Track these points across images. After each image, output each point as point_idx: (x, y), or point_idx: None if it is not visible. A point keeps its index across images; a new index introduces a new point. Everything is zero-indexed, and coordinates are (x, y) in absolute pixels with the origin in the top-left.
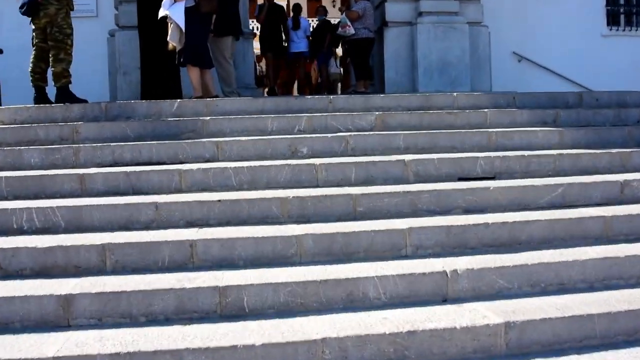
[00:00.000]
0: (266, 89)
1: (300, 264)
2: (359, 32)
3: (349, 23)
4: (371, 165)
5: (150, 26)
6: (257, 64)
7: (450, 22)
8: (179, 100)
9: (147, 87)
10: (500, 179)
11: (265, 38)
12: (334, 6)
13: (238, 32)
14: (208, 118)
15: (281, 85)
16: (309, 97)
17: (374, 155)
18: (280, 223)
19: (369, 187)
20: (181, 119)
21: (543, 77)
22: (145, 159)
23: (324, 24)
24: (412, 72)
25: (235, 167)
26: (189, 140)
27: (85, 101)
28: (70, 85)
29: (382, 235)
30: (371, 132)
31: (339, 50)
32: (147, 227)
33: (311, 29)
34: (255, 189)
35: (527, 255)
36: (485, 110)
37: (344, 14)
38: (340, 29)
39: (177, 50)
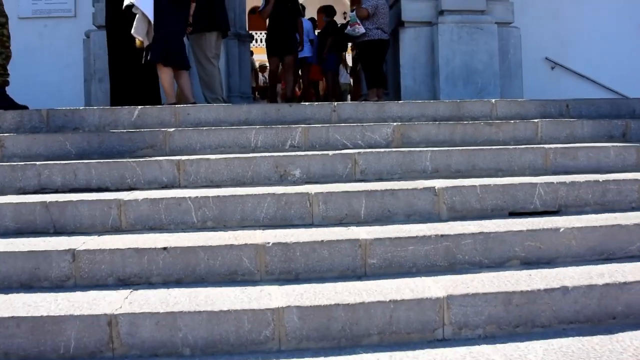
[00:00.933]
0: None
1: (279, 356)
2: (371, 32)
3: (358, 21)
4: (388, 196)
5: (119, 21)
6: (260, 74)
7: (476, 22)
8: (140, 107)
9: (117, 95)
10: (567, 213)
11: (271, 37)
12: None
13: (224, 27)
14: (172, 130)
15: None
16: (308, 104)
17: (392, 180)
18: (254, 283)
19: (385, 228)
20: (140, 130)
21: (581, 87)
22: (82, 184)
23: (329, 26)
24: (432, 80)
25: (196, 198)
26: (142, 159)
27: (25, 107)
28: (7, 88)
29: (405, 307)
30: (387, 149)
31: (349, 58)
32: (59, 285)
33: (316, 32)
34: (225, 228)
35: (629, 338)
36: (535, 120)
37: (354, 11)
38: (349, 27)
39: (144, 47)
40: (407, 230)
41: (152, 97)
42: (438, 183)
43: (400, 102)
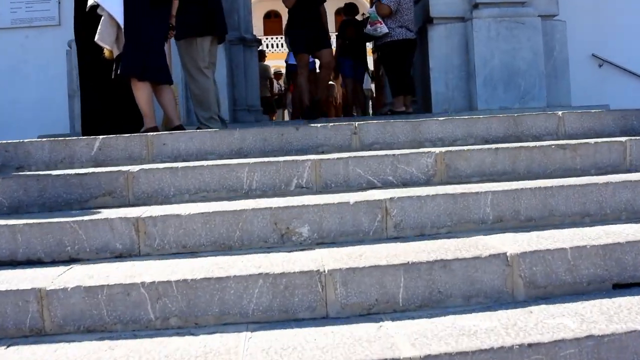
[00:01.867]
0: (284, 113)
1: None
2: (394, 32)
3: (379, 19)
4: (438, 269)
5: (88, 26)
6: (275, 81)
7: (517, 16)
8: (102, 137)
9: (88, 117)
10: None
11: (296, 29)
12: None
13: (220, 30)
14: (137, 169)
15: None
16: (320, 125)
17: (438, 236)
18: None
19: (436, 321)
20: (94, 172)
21: (632, 86)
22: (4, 255)
23: (346, 25)
24: (467, 84)
25: (152, 284)
26: (88, 218)
27: None
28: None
29: None
30: (429, 189)
31: (370, 61)
32: None
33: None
34: (196, 328)
35: None
36: (621, 140)
37: (374, 7)
38: (368, 26)
39: (114, 57)
40: (470, 324)
41: (131, 120)
42: (507, 243)
43: (440, 119)
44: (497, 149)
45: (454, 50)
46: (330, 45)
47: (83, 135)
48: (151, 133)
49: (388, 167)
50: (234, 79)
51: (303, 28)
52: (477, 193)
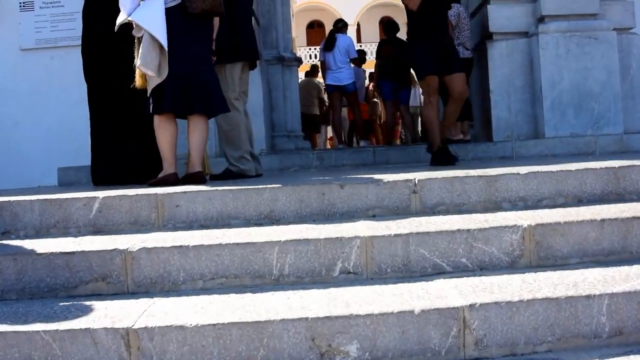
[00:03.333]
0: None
1: None
2: None
3: None
4: None
5: (103, 48)
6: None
7: (589, 30)
8: (102, 196)
9: (99, 163)
10: None
11: (423, 40)
12: None
13: (252, 55)
14: (138, 247)
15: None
16: (370, 182)
17: (535, 358)
18: None
19: None
20: (88, 249)
21: None
22: None
23: (384, 43)
24: (532, 108)
25: None
26: (65, 326)
27: None
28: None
29: None
30: (515, 278)
31: None
32: None
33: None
34: None
35: None
36: None
37: None
38: None
39: (150, 89)
40: None
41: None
42: None
43: (522, 172)
44: (602, 220)
45: (517, 70)
46: (462, 69)
47: (93, 180)
48: (161, 192)
49: (461, 247)
50: (272, 102)
51: (429, 39)
52: (588, 297)
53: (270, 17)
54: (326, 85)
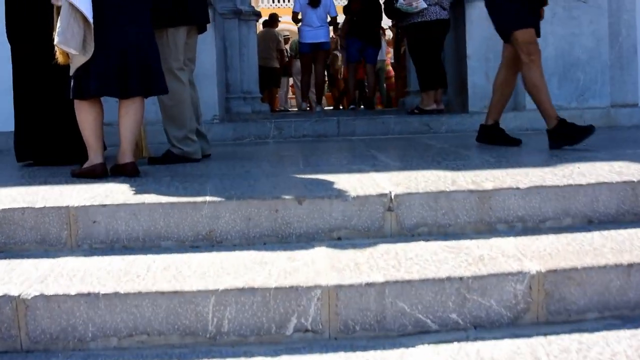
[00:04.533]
0: (288, 82)
1: None
2: (428, 10)
3: None
4: None
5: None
6: (284, 51)
7: None
8: (1, 207)
9: (23, 137)
10: None
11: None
12: None
13: (200, 17)
14: (34, 295)
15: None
16: (334, 195)
17: None
18: None
19: None
20: None
21: None
22: None
23: None
24: None
25: None
26: None
27: None
28: None
29: None
30: (519, 343)
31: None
32: None
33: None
34: None
35: None
36: None
37: None
38: (402, 0)
39: (73, 69)
40: None
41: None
42: None
43: (522, 187)
44: (630, 266)
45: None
46: None
47: (17, 157)
48: (75, 204)
49: (451, 299)
50: (227, 60)
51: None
52: None
53: None
54: (302, 43)
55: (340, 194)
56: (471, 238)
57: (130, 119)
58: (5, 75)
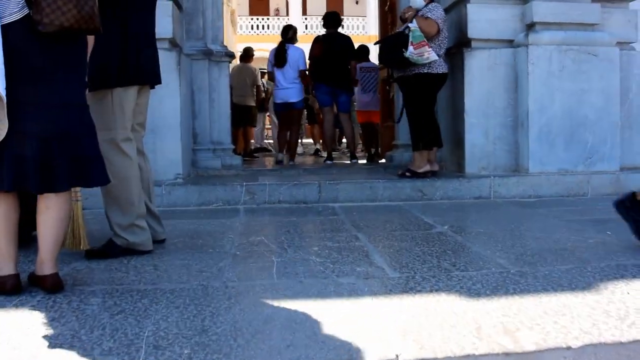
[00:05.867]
0: (265, 120)
1: None
2: (434, 63)
3: (425, 40)
4: None
5: None
6: (265, 81)
7: (588, 43)
8: None
9: None
10: None
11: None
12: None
13: (150, 75)
14: None
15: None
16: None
17: None
18: None
19: None
20: None
21: None
22: None
23: (317, 40)
24: (514, 135)
25: None
26: None
27: None
28: None
29: None
30: None
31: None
32: None
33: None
34: None
35: None
36: None
37: (414, 22)
38: (411, 48)
39: None
40: None
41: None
42: None
43: (572, 347)
44: None
45: (499, 87)
46: None
47: None
48: None
49: None
50: (195, 106)
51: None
52: None
53: (195, 2)
54: (274, 103)
55: None
56: None
57: (52, 216)
58: None
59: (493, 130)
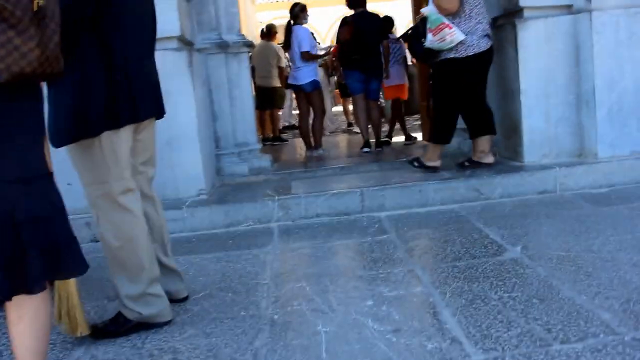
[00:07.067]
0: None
1: None
2: (471, 40)
3: (446, 21)
4: None
5: None
6: (285, 64)
7: None
8: None
9: None
10: None
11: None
12: None
13: (158, 105)
14: None
15: None
16: None
17: None
18: None
19: None
20: None
21: None
22: None
23: (345, 21)
24: (577, 115)
25: None
26: None
27: None
28: None
29: None
30: None
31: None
32: None
33: (318, 43)
34: None
35: None
36: None
37: (430, 2)
38: (430, 36)
39: None
40: None
41: None
42: None
43: None
44: None
45: (559, 61)
46: None
47: None
48: None
49: None
50: (214, 107)
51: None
52: None
53: None
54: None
55: None
56: None
57: (29, 326)
58: None
59: (554, 111)
